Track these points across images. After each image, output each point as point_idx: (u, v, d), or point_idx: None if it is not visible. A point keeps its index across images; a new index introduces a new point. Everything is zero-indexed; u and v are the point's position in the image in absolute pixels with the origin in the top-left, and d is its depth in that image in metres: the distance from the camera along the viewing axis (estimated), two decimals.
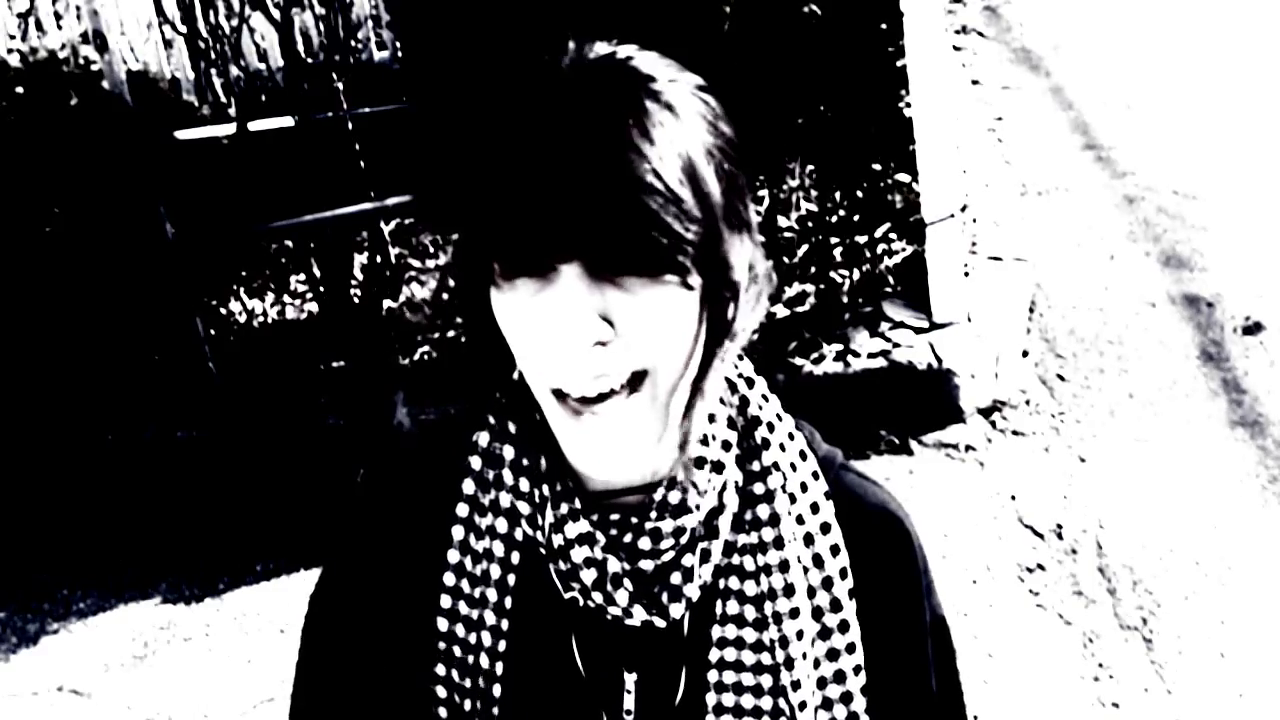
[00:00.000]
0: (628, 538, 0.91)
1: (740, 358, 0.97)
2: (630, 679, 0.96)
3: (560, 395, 0.87)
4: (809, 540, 0.95)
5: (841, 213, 4.41)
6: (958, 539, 3.32)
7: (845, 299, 4.23)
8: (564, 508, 0.92)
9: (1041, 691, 2.87)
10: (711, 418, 0.94)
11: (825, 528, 0.96)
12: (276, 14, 4.67)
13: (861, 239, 4.38)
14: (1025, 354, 4.07)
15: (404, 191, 4.49)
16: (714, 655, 0.94)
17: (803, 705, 0.94)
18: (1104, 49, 6.19)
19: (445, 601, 0.96)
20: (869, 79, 4.34)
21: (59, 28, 5.58)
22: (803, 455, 0.98)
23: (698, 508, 0.92)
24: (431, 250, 5.45)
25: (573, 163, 0.83)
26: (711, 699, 0.95)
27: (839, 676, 0.96)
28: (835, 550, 0.96)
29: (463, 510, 0.96)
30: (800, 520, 0.95)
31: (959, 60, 6.09)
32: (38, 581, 3.95)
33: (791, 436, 0.98)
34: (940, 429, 3.77)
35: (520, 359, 0.89)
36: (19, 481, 4.29)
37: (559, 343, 0.84)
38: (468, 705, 0.96)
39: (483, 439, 0.96)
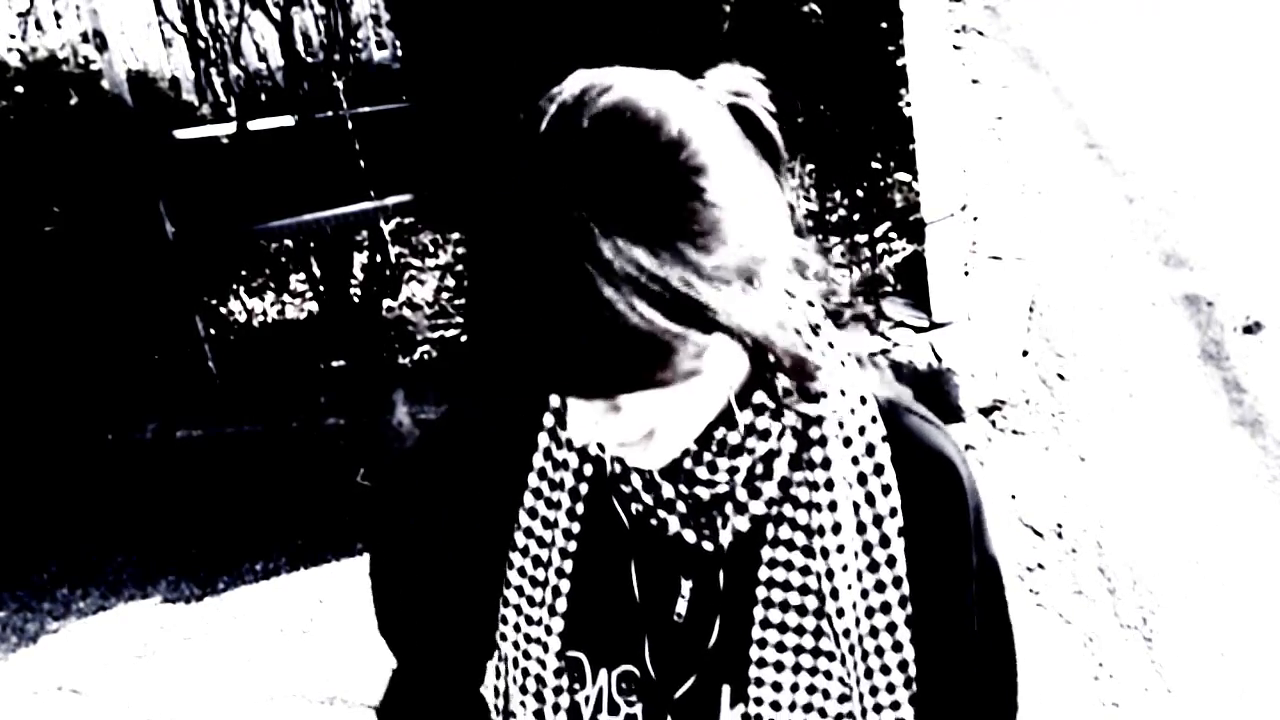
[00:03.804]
0: (686, 464, 0.97)
1: (810, 305, 1.00)
2: (685, 586, 1.02)
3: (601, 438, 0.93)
4: (862, 480, 0.99)
5: (841, 212, 4.41)
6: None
7: (845, 298, 4.23)
8: None
9: (1042, 690, 2.87)
10: (771, 364, 0.96)
11: (879, 469, 1.00)
12: (276, 14, 4.67)
13: (861, 238, 4.38)
14: (1025, 353, 4.07)
15: (404, 191, 4.49)
16: (763, 575, 1.00)
17: (847, 632, 0.99)
18: (1104, 48, 6.19)
19: (523, 520, 1.05)
20: (869, 78, 4.34)
21: (59, 27, 5.58)
22: (863, 400, 1.01)
23: (753, 450, 0.97)
24: (431, 250, 5.45)
25: (544, 300, 0.80)
26: (759, 613, 1.00)
27: (885, 608, 1.00)
28: (886, 490, 1.00)
29: (544, 440, 1.04)
30: (855, 461, 0.99)
31: (959, 60, 6.09)
32: (37, 581, 3.95)
33: (853, 381, 1.01)
34: None
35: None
36: (19, 481, 4.29)
37: (594, 435, 0.90)
38: (537, 594, 1.05)
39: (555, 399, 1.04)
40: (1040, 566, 3.23)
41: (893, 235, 4.43)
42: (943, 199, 4.00)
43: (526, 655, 1.06)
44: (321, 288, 4.82)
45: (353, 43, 5.07)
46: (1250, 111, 5.30)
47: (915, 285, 4.13)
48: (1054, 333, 4.17)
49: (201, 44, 5.02)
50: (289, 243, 5.00)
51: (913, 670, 1.02)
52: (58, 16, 5.61)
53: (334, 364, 4.60)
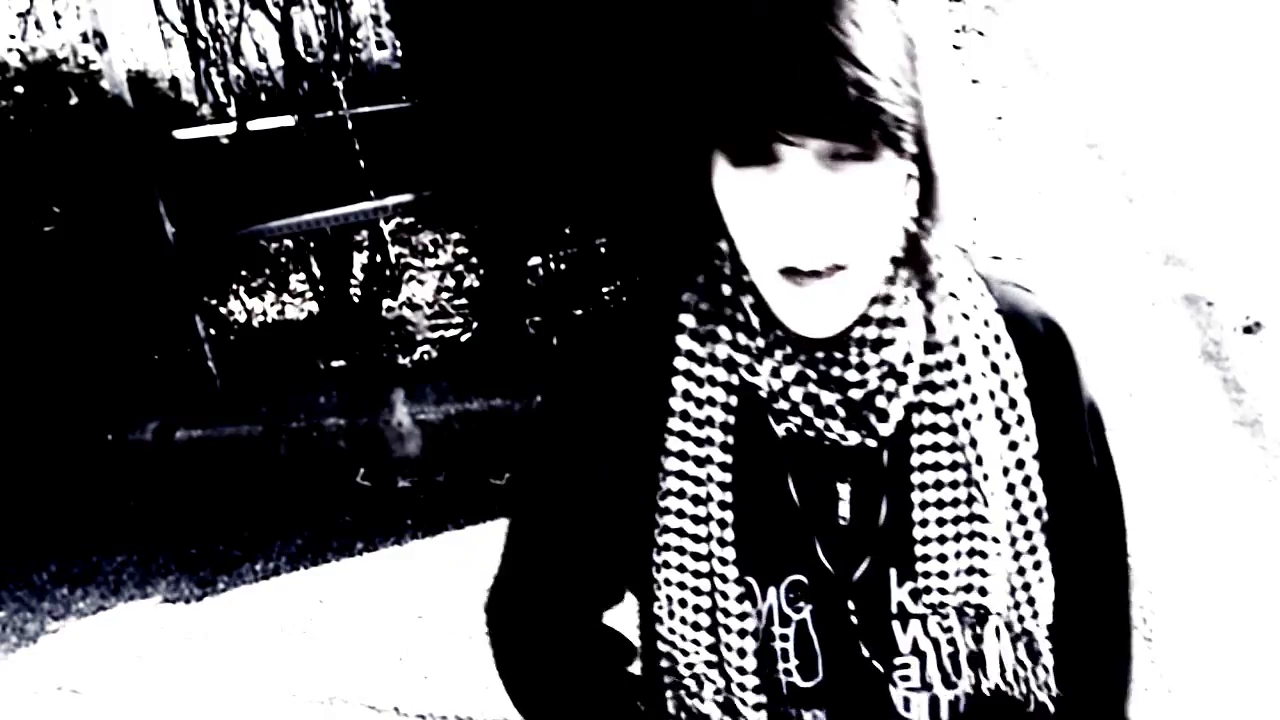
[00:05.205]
0: (836, 371, 1.04)
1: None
2: (845, 490, 1.08)
3: (783, 270, 0.97)
4: (985, 351, 1.08)
5: None
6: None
7: None
8: (778, 354, 1.04)
9: None
10: (895, 260, 1.03)
11: (998, 339, 1.09)
12: (276, 14, 4.67)
13: None
14: None
15: (404, 191, 4.49)
16: (915, 460, 1.07)
17: (994, 493, 1.08)
18: (1104, 48, 6.18)
19: (673, 444, 1.08)
20: None
21: (59, 27, 5.58)
22: (969, 280, 1.10)
23: (895, 341, 1.04)
24: (431, 250, 5.45)
25: (798, 52, 0.91)
26: (917, 497, 1.07)
27: (1020, 464, 1.09)
28: (1008, 356, 1.09)
29: (682, 363, 1.08)
30: (976, 336, 1.08)
31: (959, 60, 6.09)
32: (37, 581, 3.95)
33: (959, 265, 1.10)
34: None
35: (743, 238, 0.98)
36: (19, 481, 4.29)
37: (788, 225, 0.94)
38: (701, 530, 1.08)
39: (693, 299, 1.08)
40: None
41: None
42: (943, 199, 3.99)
43: (697, 591, 1.09)
44: (321, 288, 4.82)
45: (353, 43, 5.07)
46: (1250, 111, 5.30)
47: None
48: None
49: (201, 44, 5.02)
50: (289, 243, 5.00)
51: (1046, 515, 1.11)
52: (58, 16, 5.61)
53: (334, 364, 4.60)
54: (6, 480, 4.28)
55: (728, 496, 1.07)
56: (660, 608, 1.12)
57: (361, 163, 4.71)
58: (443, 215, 5.06)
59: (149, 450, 4.31)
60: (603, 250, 4.43)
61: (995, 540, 1.08)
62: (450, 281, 5.13)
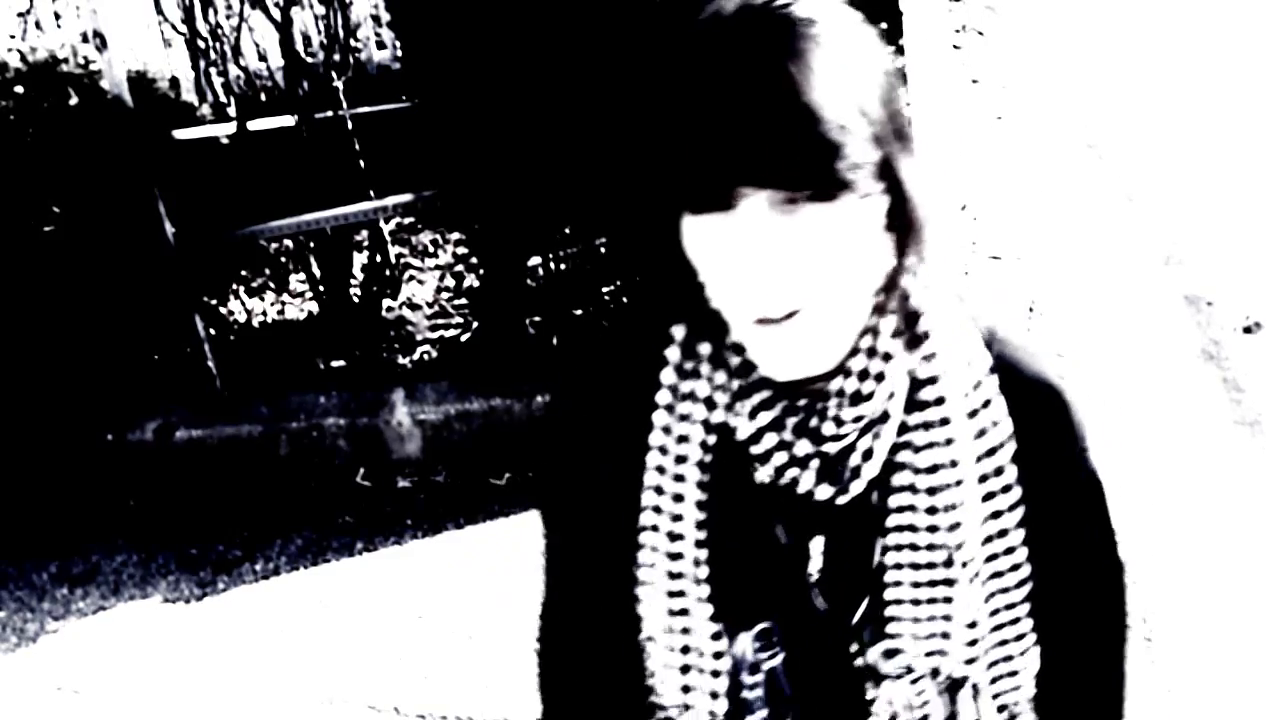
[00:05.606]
0: (813, 423, 1.01)
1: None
2: (817, 545, 1.06)
3: (749, 314, 0.95)
4: (973, 414, 1.05)
5: None
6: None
7: None
8: (756, 398, 1.02)
9: None
10: (880, 310, 1.01)
11: (988, 402, 1.05)
12: (276, 14, 4.67)
13: None
14: None
15: (404, 191, 4.49)
16: (891, 521, 1.04)
17: (970, 560, 1.04)
18: (1104, 48, 6.19)
19: (650, 479, 1.06)
20: None
21: (59, 27, 5.58)
22: (965, 336, 1.06)
23: (874, 395, 1.01)
24: (431, 250, 5.45)
25: (746, 96, 0.90)
26: (891, 558, 1.04)
27: (1002, 533, 1.06)
28: (996, 421, 1.05)
29: (664, 398, 1.06)
30: (964, 395, 1.04)
31: (959, 60, 6.09)
32: (37, 581, 3.96)
33: (955, 321, 1.06)
34: None
35: (709, 283, 0.97)
36: (19, 481, 4.29)
37: (742, 270, 0.92)
38: (675, 567, 1.06)
39: (679, 334, 1.06)
40: None
41: None
42: (943, 199, 4.00)
43: (670, 630, 1.07)
44: (321, 288, 4.82)
45: (353, 43, 5.07)
46: (1250, 111, 5.30)
47: None
48: (1054, 333, 4.16)
49: (201, 44, 5.02)
50: (289, 243, 5.00)
51: (1029, 587, 1.07)
52: (58, 16, 5.61)
53: (334, 364, 4.60)
54: (7, 480, 4.28)
55: (703, 535, 1.05)
56: (640, 642, 1.11)
57: (361, 163, 4.71)
58: (443, 215, 5.06)
59: (149, 450, 4.31)
60: (603, 250, 4.43)
61: (968, 608, 1.06)
62: (450, 281, 5.13)
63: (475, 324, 4.67)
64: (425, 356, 4.59)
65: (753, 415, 1.02)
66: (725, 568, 1.06)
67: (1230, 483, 3.42)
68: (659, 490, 1.06)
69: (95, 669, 3.49)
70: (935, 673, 1.07)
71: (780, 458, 1.02)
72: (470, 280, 4.99)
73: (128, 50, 5.15)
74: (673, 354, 1.06)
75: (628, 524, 1.08)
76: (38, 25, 5.59)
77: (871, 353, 1.01)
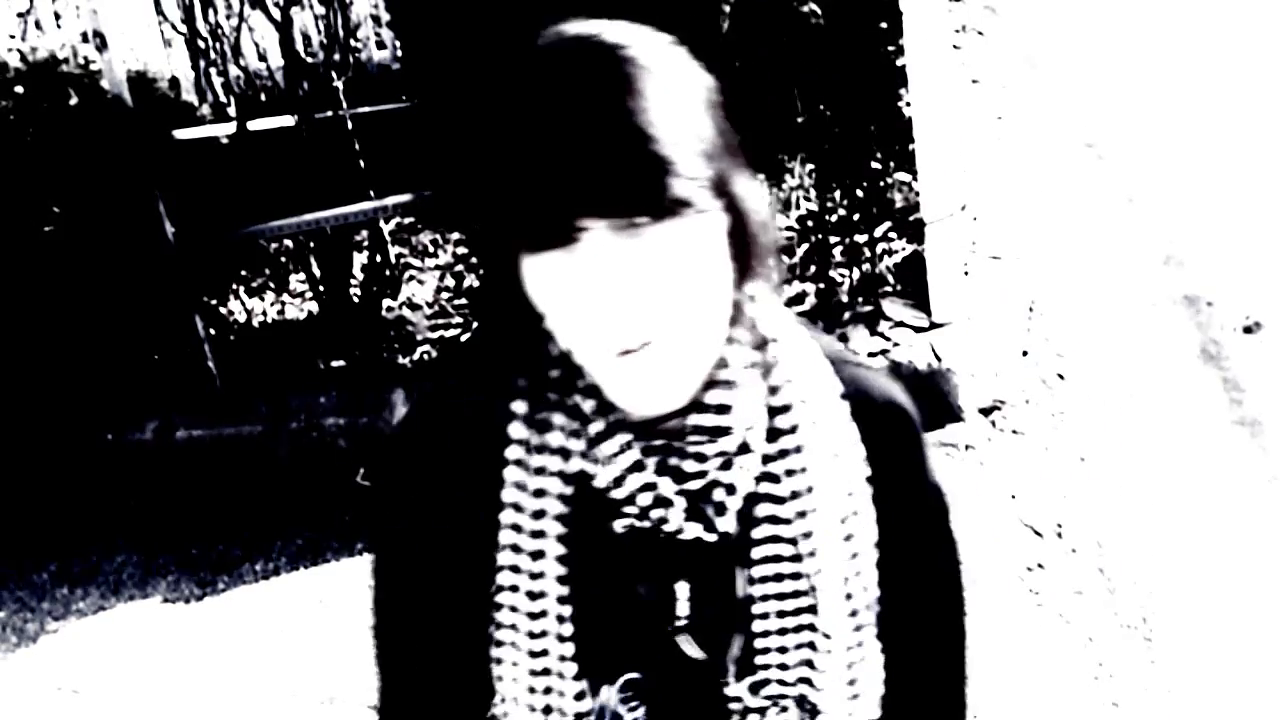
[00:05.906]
0: (674, 461, 0.99)
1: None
2: (683, 589, 1.04)
3: (606, 348, 0.93)
4: (827, 439, 1.04)
5: (841, 212, 4.41)
6: (958, 538, 3.32)
7: (845, 298, 4.24)
8: (614, 441, 0.99)
9: (1041, 690, 2.87)
10: (730, 340, 1.00)
11: (841, 425, 1.06)
12: (276, 14, 4.67)
13: (861, 238, 4.38)
14: (1025, 353, 4.07)
15: (404, 191, 4.49)
16: (756, 554, 1.03)
17: (829, 585, 1.04)
18: (1104, 48, 6.19)
19: (506, 537, 1.02)
20: (868, 78, 4.34)
21: (59, 27, 5.58)
22: (813, 362, 1.06)
23: (732, 429, 1.00)
24: (431, 250, 5.45)
25: (576, 127, 0.89)
26: (757, 590, 1.04)
27: (854, 555, 1.05)
28: (848, 445, 1.05)
29: (514, 452, 1.02)
30: (816, 423, 1.04)
31: (959, 60, 6.09)
32: (37, 581, 3.96)
33: (802, 347, 1.06)
34: (940, 428, 3.77)
35: (556, 322, 0.94)
36: (19, 481, 4.29)
37: (598, 304, 0.90)
38: (537, 627, 1.03)
39: (524, 383, 1.03)
40: (1040, 566, 3.23)
41: (893, 235, 4.43)
42: (943, 199, 4.00)
43: (532, 690, 1.04)
44: (321, 288, 4.82)
45: (353, 43, 5.07)
46: (1250, 111, 5.30)
47: (915, 285, 4.13)
48: (1054, 333, 4.17)
49: (201, 44, 5.02)
50: (289, 243, 5.00)
51: (878, 607, 1.07)
52: (58, 16, 5.62)
53: (334, 364, 4.60)
54: (6, 480, 4.28)
55: (566, 591, 1.02)
56: (498, 706, 1.07)
57: (361, 163, 4.71)
58: (443, 215, 5.06)
59: (149, 450, 4.32)
60: None
61: (827, 636, 1.05)
62: (450, 281, 5.14)
63: (475, 324, 4.67)
64: (425, 356, 4.59)
65: (612, 459, 0.99)
66: (589, 621, 1.03)
67: (1230, 483, 3.42)
68: (516, 549, 1.02)
69: (95, 669, 3.49)
70: (801, 701, 1.06)
71: (645, 499, 0.99)
72: (470, 280, 4.99)
73: (128, 50, 5.15)
74: (519, 406, 1.02)
75: (479, 582, 1.04)
76: (38, 25, 5.59)
77: (726, 384, 1.00)
